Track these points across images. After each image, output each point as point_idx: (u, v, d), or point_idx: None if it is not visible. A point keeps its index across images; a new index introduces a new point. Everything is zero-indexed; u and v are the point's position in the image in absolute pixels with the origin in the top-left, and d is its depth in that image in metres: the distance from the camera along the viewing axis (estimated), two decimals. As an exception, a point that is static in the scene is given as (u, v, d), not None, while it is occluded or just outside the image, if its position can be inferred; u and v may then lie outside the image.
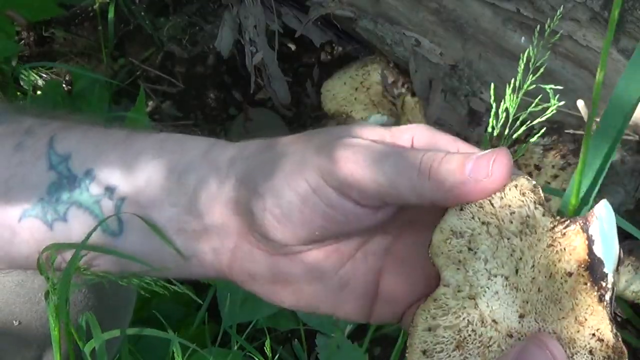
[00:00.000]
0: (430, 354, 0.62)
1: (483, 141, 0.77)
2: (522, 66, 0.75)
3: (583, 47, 1.48)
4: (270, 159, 0.67)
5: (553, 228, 0.61)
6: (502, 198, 0.62)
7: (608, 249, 0.60)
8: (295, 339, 1.50)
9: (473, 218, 0.62)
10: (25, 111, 0.77)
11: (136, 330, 0.97)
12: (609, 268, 0.60)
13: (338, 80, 1.67)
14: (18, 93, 1.74)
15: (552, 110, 0.76)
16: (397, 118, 1.59)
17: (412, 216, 0.69)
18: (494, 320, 0.62)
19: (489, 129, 0.76)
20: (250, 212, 0.67)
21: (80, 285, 0.89)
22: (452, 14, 1.55)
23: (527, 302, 0.62)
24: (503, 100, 0.76)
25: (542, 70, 0.77)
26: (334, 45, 1.82)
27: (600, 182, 0.65)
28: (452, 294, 0.63)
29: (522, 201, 0.61)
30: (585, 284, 0.60)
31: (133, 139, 0.72)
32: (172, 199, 0.70)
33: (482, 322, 0.62)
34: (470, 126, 1.56)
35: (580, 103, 1.46)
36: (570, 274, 0.60)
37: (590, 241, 0.60)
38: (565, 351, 0.60)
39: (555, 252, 0.61)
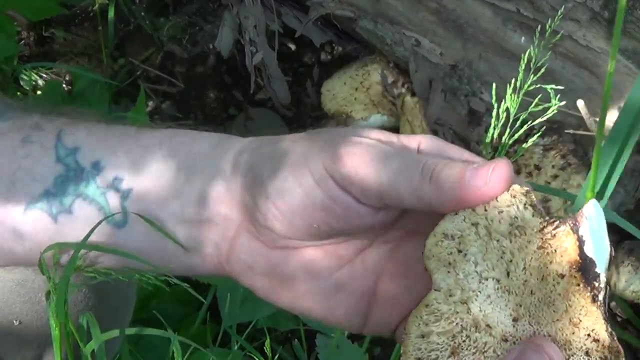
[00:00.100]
0: None
1: (483, 141, 0.77)
2: (523, 66, 0.76)
3: (583, 47, 1.48)
4: (277, 152, 0.68)
5: (542, 229, 0.61)
6: (494, 201, 0.62)
7: (599, 249, 0.60)
8: (295, 339, 1.51)
9: (464, 220, 0.62)
10: (32, 108, 0.77)
11: (136, 330, 0.97)
12: (600, 268, 0.60)
13: (338, 80, 1.67)
14: (18, 93, 1.74)
15: (552, 110, 0.76)
16: (397, 118, 1.59)
17: (413, 225, 0.69)
18: (487, 325, 0.62)
19: (490, 129, 0.76)
20: (253, 201, 0.67)
21: (80, 285, 0.89)
22: (452, 14, 1.55)
23: (520, 306, 0.61)
24: (503, 100, 0.76)
25: (542, 70, 0.78)
26: (334, 45, 1.82)
27: (616, 177, 0.65)
28: (443, 298, 0.62)
29: (511, 202, 0.62)
30: (578, 285, 0.60)
31: (141, 133, 0.73)
32: (179, 190, 0.70)
33: (476, 327, 0.62)
34: (470, 126, 1.56)
35: (580, 103, 1.46)
36: (562, 276, 0.60)
37: (580, 242, 0.60)
38: (563, 353, 0.60)
39: (546, 254, 0.61)
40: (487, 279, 0.62)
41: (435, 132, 1.54)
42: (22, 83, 1.77)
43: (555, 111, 0.77)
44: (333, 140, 0.66)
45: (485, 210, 0.62)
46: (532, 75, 0.76)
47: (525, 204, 0.62)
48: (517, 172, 1.47)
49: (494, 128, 0.75)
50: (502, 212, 0.61)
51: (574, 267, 0.60)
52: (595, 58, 1.48)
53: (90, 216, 0.72)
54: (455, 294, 0.62)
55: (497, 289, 0.62)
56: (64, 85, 1.80)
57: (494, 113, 0.76)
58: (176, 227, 0.71)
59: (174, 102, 1.82)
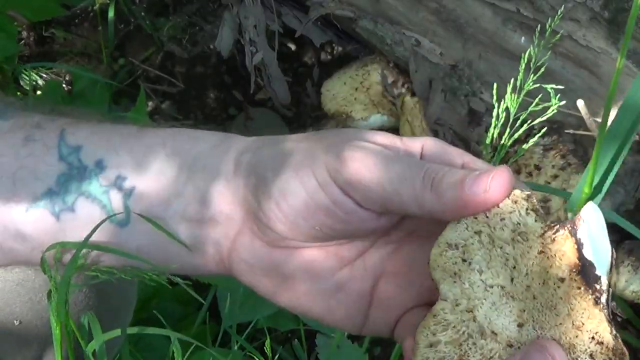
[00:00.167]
0: None
1: (483, 141, 0.77)
2: (523, 66, 0.76)
3: (583, 47, 1.48)
4: (281, 152, 0.68)
5: (543, 234, 0.61)
6: (496, 207, 0.62)
7: (598, 251, 0.60)
8: (295, 339, 1.51)
9: (467, 229, 0.63)
10: (32, 108, 0.77)
11: (137, 329, 0.97)
12: (601, 270, 0.60)
13: (338, 80, 1.67)
14: (18, 93, 1.74)
15: (552, 110, 0.76)
16: (397, 118, 1.59)
17: (415, 227, 0.69)
18: (493, 332, 0.62)
19: (490, 129, 0.76)
20: (256, 201, 0.67)
21: (81, 285, 0.89)
22: (452, 14, 1.55)
23: (524, 311, 0.62)
24: (503, 100, 0.76)
25: (542, 70, 0.78)
26: (334, 45, 1.82)
27: (613, 174, 0.65)
28: (450, 308, 0.63)
29: (513, 208, 0.62)
30: (579, 288, 0.59)
31: (144, 132, 0.73)
32: (182, 189, 0.70)
33: (482, 335, 0.62)
34: (470, 126, 1.56)
35: (580, 103, 1.46)
36: (562, 280, 0.60)
37: (579, 245, 0.60)
38: (567, 355, 0.60)
39: (546, 258, 0.61)
40: (492, 287, 0.62)
41: (435, 132, 1.55)
42: (22, 83, 1.77)
43: (555, 111, 0.77)
44: (337, 144, 0.66)
45: (487, 217, 0.62)
46: (532, 75, 0.76)
47: (527, 210, 0.62)
48: (517, 172, 1.47)
49: (494, 128, 0.75)
50: (504, 219, 0.62)
51: (574, 270, 0.60)
52: (595, 58, 1.48)
53: (92, 214, 0.72)
54: (461, 303, 0.63)
55: (502, 295, 0.62)
56: (64, 85, 1.80)
57: (494, 113, 0.76)
58: (178, 226, 0.71)
59: (174, 102, 1.82)
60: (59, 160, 0.72)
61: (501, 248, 0.62)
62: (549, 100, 0.77)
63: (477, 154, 0.69)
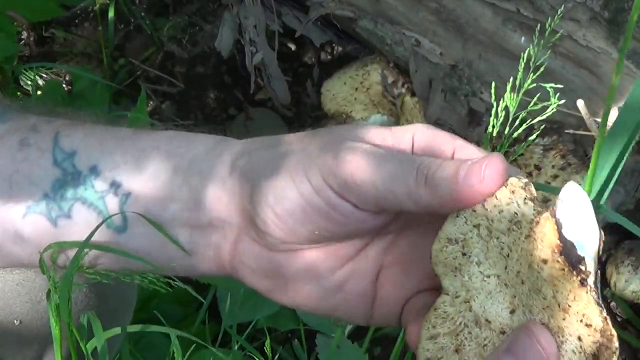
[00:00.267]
0: None
1: (483, 140, 0.77)
2: (522, 65, 0.76)
3: (583, 47, 1.48)
4: (275, 156, 0.67)
5: (532, 220, 0.61)
6: (494, 199, 0.62)
7: (580, 232, 0.58)
8: (295, 339, 1.51)
9: (466, 222, 0.63)
10: (29, 109, 0.77)
11: (137, 328, 0.97)
12: (586, 251, 0.58)
13: (338, 80, 1.67)
14: (18, 93, 1.74)
15: (552, 109, 0.76)
16: (397, 118, 1.59)
17: (412, 216, 0.69)
18: (487, 320, 0.62)
19: (489, 128, 0.76)
20: (252, 208, 0.67)
21: (81, 284, 0.89)
22: (452, 14, 1.55)
23: (515, 297, 0.61)
24: (502, 99, 0.76)
25: (542, 69, 0.78)
26: (334, 45, 1.82)
27: (618, 171, 0.65)
28: (450, 301, 0.63)
29: (511, 199, 0.61)
30: (562, 269, 0.58)
31: (139, 136, 0.73)
32: (177, 193, 0.70)
33: (477, 323, 0.62)
34: (470, 126, 1.56)
35: (580, 103, 1.46)
36: (545, 261, 0.59)
37: (559, 225, 0.58)
38: (555, 340, 0.60)
39: (532, 240, 0.60)
40: (489, 277, 0.62)
41: (435, 132, 1.54)
42: (22, 83, 1.77)
43: (555, 110, 0.77)
44: (329, 145, 0.66)
45: (486, 210, 0.62)
46: (532, 75, 0.76)
47: (525, 199, 0.61)
48: (517, 172, 1.47)
49: (493, 127, 0.75)
50: (502, 211, 0.61)
51: (556, 251, 0.58)
52: (595, 58, 1.48)
53: (89, 220, 0.72)
54: (460, 295, 0.63)
55: (498, 284, 0.62)
56: (64, 86, 1.80)
57: (493, 112, 0.76)
58: (176, 231, 0.71)
59: (174, 102, 1.82)
60: (54, 165, 0.72)
61: (497, 238, 0.62)
62: (549, 100, 0.77)
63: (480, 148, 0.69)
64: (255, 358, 1.23)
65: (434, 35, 1.58)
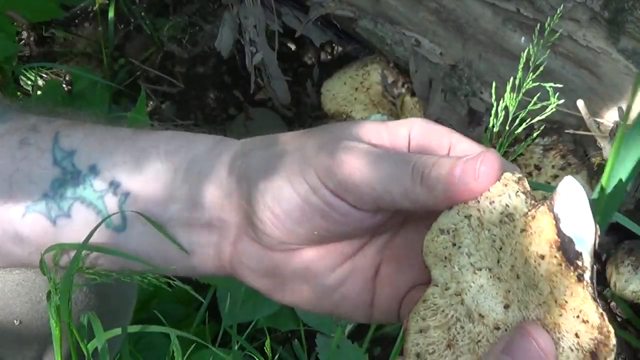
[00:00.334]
0: (423, 356, 0.62)
1: (483, 140, 0.77)
2: (522, 64, 0.76)
3: (583, 47, 1.48)
4: (272, 156, 0.67)
5: (527, 213, 0.60)
6: (486, 191, 0.62)
7: (578, 227, 0.58)
8: (295, 339, 1.51)
9: (457, 213, 0.62)
10: (29, 109, 0.77)
11: (137, 328, 0.97)
12: (583, 247, 0.58)
13: (338, 80, 1.67)
14: (18, 93, 1.74)
15: (551, 109, 0.76)
16: (397, 118, 1.59)
17: (411, 213, 0.69)
18: (480, 315, 0.61)
19: (489, 127, 0.76)
20: (250, 207, 0.67)
21: (81, 285, 0.89)
22: (452, 14, 1.55)
23: (509, 292, 0.61)
24: (502, 99, 0.76)
25: (541, 69, 0.78)
26: (334, 45, 1.82)
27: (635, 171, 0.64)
28: (440, 292, 0.63)
29: (503, 191, 0.61)
30: (560, 265, 0.58)
31: (139, 136, 0.73)
32: (177, 193, 0.70)
33: (470, 318, 0.62)
34: (470, 126, 1.56)
35: (580, 103, 1.46)
36: (542, 257, 0.59)
37: (557, 220, 0.58)
38: (552, 337, 0.59)
39: (528, 235, 0.60)
40: (480, 269, 0.62)
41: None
42: (22, 83, 1.77)
43: (555, 110, 0.77)
44: (325, 145, 0.66)
45: (477, 200, 0.62)
46: (531, 74, 0.76)
47: (517, 192, 0.61)
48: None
49: (493, 126, 0.75)
50: (493, 202, 0.61)
51: (554, 246, 0.58)
52: (595, 58, 1.48)
53: (88, 220, 0.72)
54: (451, 287, 0.62)
55: (490, 278, 0.62)
56: (64, 86, 1.80)
57: (493, 111, 0.76)
58: (175, 230, 0.71)
59: (174, 103, 1.82)
60: (53, 164, 0.72)
61: (489, 230, 0.61)
62: (549, 100, 0.77)
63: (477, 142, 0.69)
64: (255, 358, 1.23)
65: (434, 35, 1.58)
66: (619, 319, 1.50)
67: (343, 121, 1.59)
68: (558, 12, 0.82)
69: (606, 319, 0.58)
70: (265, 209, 0.66)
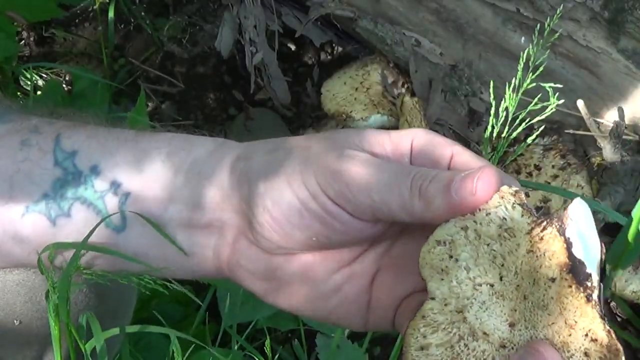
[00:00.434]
0: None
1: (483, 141, 0.77)
2: (522, 65, 0.76)
3: (583, 47, 1.48)
4: (273, 160, 0.68)
5: (531, 231, 0.61)
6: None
7: (588, 248, 0.59)
8: (295, 339, 1.50)
9: (454, 225, 0.63)
10: (31, 111, 0.77)
11: (136, 328, 0.97)
12: (592, 267, 0.59)
13: (338, 80, 1.67)
14: (18, 93, 1.74)
15: (551, 109, 0.76)
16: (397, 118, 1.59)
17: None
18: (484, 333, 0.62)
19: (489, 128, 0.76)
20: (250, 210, 0.67)
21: (81, 285, 0.89)
22: (452, 14, 1.55)
23: (515, 310, 0.61)
24: (503, 99, 0.76)
25: (541, 69, 0.78)
26: (334, 45, 1.82)
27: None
28: (439, 308, 0.62)
29: (499, 203, 0.62)
30: (570, 287, 0.59)
31: (140, 137, 0.73)
32: (177, 194, 0.70)
33: (474, 336, 0.62)
34: (470, 126, 1.56)
35: (580, 103, 1.46)
36: (553, 279, 0.59)
37: (568, 244, 0.59)
38: (562, 356, 0.60)
39: (535, 257, 0.60)
40: (480, 285, 0.62)
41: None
42: (22, 83, 1.77)
43: (555, 110, 0.77)
44: (327, 154, 0.66)
45: (474, 213, 0.62)
46: (531, 74, 0.76)
47: (513, 204, 0.61)
48: (517, 172, 1.47)
49: (493, 127, 0.75)
50: (489, 214, 0.62)
51: (564, 269, 0.59)
52: (595, 58, 1.48)
53: (88, 220, 0.72)
54: (450, 302, 0.62)
55: (492, 294, 0.62)
56: (64, 86, 1.80)
57: (493, 112, 0.76)
58: (175, 231, 0.71)
59: (174, 103, 1.82)
60: (55, 165, 0.72)
61: (488, 245, 0.62)
62: (549, 100, 0.77)
63: (477, 155, 0.69)
64: (255, 358, 1.23)
65: (434, 35, 1.58)
66: (619, 319, 1.50)
67: (343, 121, 1.59)
68: (558, 12, 0.82)
69: (614, 336, 0.59)
70: (264, 212, 0.66)
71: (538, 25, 0.84)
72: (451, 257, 0.62)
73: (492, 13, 1.53)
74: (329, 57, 1.83)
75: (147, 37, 1.86)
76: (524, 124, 0.76)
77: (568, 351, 0.59)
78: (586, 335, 0.59)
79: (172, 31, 1.86)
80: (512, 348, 0.61)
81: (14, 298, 0.91)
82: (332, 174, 0.64)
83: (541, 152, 1.49)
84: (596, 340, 0.59)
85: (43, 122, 0.75)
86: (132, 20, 1.87)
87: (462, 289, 0.62)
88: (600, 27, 1.46)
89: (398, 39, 1.60)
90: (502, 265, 0.61)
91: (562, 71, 1.49)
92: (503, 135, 0.77)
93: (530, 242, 0.61)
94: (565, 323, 0.59)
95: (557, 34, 1.36)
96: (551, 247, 0.60)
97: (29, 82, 1.75)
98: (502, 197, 0.62)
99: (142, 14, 1.87)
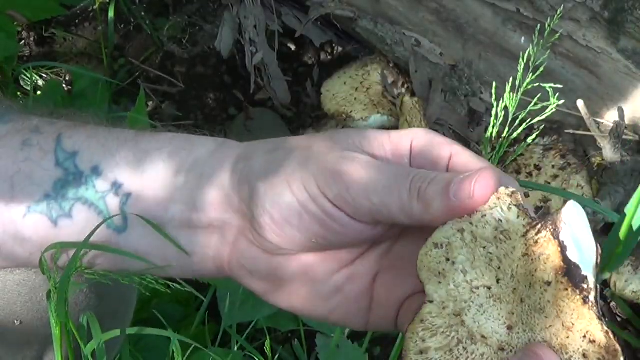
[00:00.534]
0: None
1: (483, 140, 0.77)
2: (522, 65, 0.76)
3: (583, 47, 1.48)
4: (273, 161, 0.68)
5: (526, 233, 0.61)
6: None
7: (583, 251, 0.59)
8: (295, 339, 1.51)
9: (451, 228, 0.63)
10: (32, 111, 0.77)
11: (136, 330, 0.97)
12: (587, 269, 0.59)
13: (338, 80, 1.67)
14: (18, 93, 1.74)
15: (551, 109, 0.76)
16: (397, 118, 1.59)
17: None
18: (483, 336, 0.62)
19: (489, 128, 0.76)
20: (250, 211, 0.67)
21: (81, 285, 0.89)
22: (452, 14, 1.55)
23: (513, 314, 0.61)
24: (502, 99, 0.76)
25: (541, 69, 0.78)
26: (334, 45, 1.82)
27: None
28: (437, 311, 0.63)
29: (495, 204, 0.62)
30: (566, 289, 0.59)
31: (141, 138, 0.73)
32: (178, 195, 0.70)
33: (472, 339, 0.62)
34: (470, 126, 1.56)
35: (580, 103, 1.46)
36: (549, 283, 0.60)
37: (562, 247, 0.59)
38: (561, 358, 0.60)
39: (531, 261, 0.60)
40: (478, 288, 0.62)
41: (435, 132, 1.54)
42: (22, 83, 1.77)
43: (555, 110, 0.77)
44: (326, 155, 0.66)
45: (470, 215, 0.62)
46: (531, 75, 0.76)
47: (509, 205, 0.61)
48: (517, 172, 1.48)
49: (493, 127, 0.75)
50: (485, 215, 0.62)
51: (560, 273, 0.59)
52: (595, 58, 1.48)
53: (89, 220, 0.72)
54: (448, 306, 0.62)
55: (489, 297, 0.62)
56: (64, 85, 1.80)
57: (493, 112, 0.76)
58: (176, 232, 0.71)
59: (174, 102, 1.82)
60: (56, 165, 0.72)
61: (484, 248, 0.62)
62: (549, 100, 0.77)
63: (477, 154, 0.69)
64: (255, 358, 1.23)
65: (434, 35, 1.58)
66: (619, 319, 1.50)
67: (343, 121, 1.59)
68: (558, 12, 0.82)
69: (612, 337, 0.59)
70: (264, 214, 0.66)
71: (538, 25, 0.84)
72: (448, 259, 0.62)
73: (492, 13, 1.53)
74: (329, 57, 1.83)
75: (147, 37, 1.87)
76: (524, 124, 0.76)
77: (566, 353, 0.59)
78: (584, 336, 0.59)
79: (172, 31, 1.86)
80: (511, 351, 0.61)
81: (15, 298, 0.91)
82: (332, 176, 0.65)
83: (541, 152, 1.49)
84: (594, 341, 0.59)
85: (44, 122, 0.75)
86: (132, 20, 1.87)
87: (459, 292, 0.62)
88: (600, 27, 1.46)
89: (398, 39, 1.60)
90: (499, 268, 0.62)
91: (562, 71, 1.49)
92: (503, 135, 0.77)
93: (526, 245, 0.61)
94: (563, 325, 0.59)
95: (558, 34, 1.36)
96: (546, 250, 0.60)
97: (30, 82, 1.75)
98: (499, 198, 0.62)
99: (142, 14, 1.87)
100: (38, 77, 1.78)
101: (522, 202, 0.61)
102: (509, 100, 0.76)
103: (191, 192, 0.70)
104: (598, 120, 1.48)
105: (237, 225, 0.69)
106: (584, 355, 0.59)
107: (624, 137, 1.45)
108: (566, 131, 1.50)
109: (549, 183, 1.44)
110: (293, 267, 0.69)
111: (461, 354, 0.62)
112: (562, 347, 0.60)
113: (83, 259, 0.72)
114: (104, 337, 0.83)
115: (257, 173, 0.68)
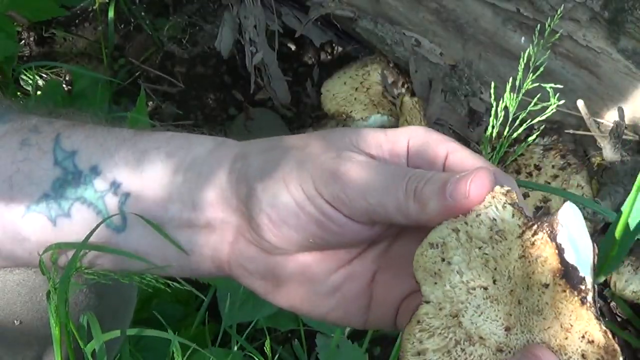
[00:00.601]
0: None
1: (483, 141, 0.77)
2: (522, 65, 0.76)
3: (583, 47, 1.48)
4: (271, 160, 0.68)
5: (522, 234, 0.61)
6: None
7: (580, 253, 0.59)
8: (295, 339, 1.51)
9: (446, 227, 0.63)
10: (30, 110, 0.77)
11: (136, 331, 0.97)
12: (585, 270, 0.59)
13: (338, 80, 1.67)
14: (18, 93, 1.74)
15: (552, 109, 0.76)
16: (397, 118, 1.59)
17: None
18: (480, 337, 0.61)
19: (489, 128, 0.76)
20: (247, 210, 0.67)
21: (81, 285, 0.89)
22: (452, 14, 1.55)
23: (511, 315, 0.61)
24: (502, 99, 0.76)
25: (541, 69, 0.78)
26: (334, 45, 1.82)
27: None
28: (434, 312, 0.62)
29: (490, 203, 0.62)
30: (564, 291, 0.59)
31: (140, 137, 0.73)
32: (177, 194, 0.70)
33: (470, 340, 0.62)
34: (470, 126, 1.56)
35: (580, 103, 1.46)
36: (546, 285, 0.59)
37: (559, 250, 0.59)
38: (559, 358, 0.60)
39: (528, 263, 0.60)
40: (474, 289, 0.62)
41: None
42: (22, 83, 1.77)
43: (555, 110, 0.77)
44: (323, 155, 0.66)
45: (465, 215, 0.62)
46: (531, 75, 0.76)
47: (504, 204, 0.61)
48: (517, 172, 1.48)
49: (493, 127, 0.75)
50: (479, 214, 0.62)
51: (557, 275, 0.59)
52: (595, 58, 1.48)
53: (88, 220, 0.72)
54: (445, 307, 0.62)
55: (486, 298, 0.62)
56: (64, 85, 1.80)
57: (493, 112, 0.76)
58: (175, 231, 0.71)
59: (174, 102, 1.82)
60: (55, 165, 0.72)
61: (480, 248, 0.62)
62: (549, 100, 0.77)
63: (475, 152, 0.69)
64: (255, 358, 1.23)
65: (434, 35, 1.58)
66: (619, 319, 1.50)
67: (343, 121, 1.59)
68: (558, 12, 0.82)
69: (610, 337, 0.59)
70: (261, 214, 0.66)
71: (538, 25, 0.84)
72: (443, 260, 0.62)
73: (492, 13, 1.53)
74: (329, 57, 1.83)
75: (147, 37, 1.87)
76: (524, 124, 0.76)
77: (565, 354, 0.59)
78: (583, 337, 0.59)
79: (172, 31, 1.86)
80: (509, 352, 0.61)
81: (15, 298, 0.91)
82: (329, 176, 0.65)
83: (541, 152, 1.49)
84: (593, 341, 0.59)
85: (42, 122, 0.75)
86: (132, 20, 1.87)
87: (455, 292, 0.62)
88: (600, 27, 1.46)
89: (398, 39, 1.60)
90: (495, 269, 0.61)
91: (562, 71, 1.49)
92: (503, 135, 0.77)
93: (522, 246, 0.61)
94: (561, 327, 0.59)
95: (558, 34, 1.36)
96: (543, 253, 0.60)
97: (29, 82, 1.75)
98: (494, 197, 0.62)
99: (142, 14, 1.87)
100: (38, 77, 1.78)
101: (517, 201, 0.61)
102: (509, 100, 0.76)
103: (190, 192, 0.70)
104: (598, 120, 1.48)
105: (236, 224, 0.69)
106: (583, 356, 0.59)
107: (624, 137, 1.45)
108: (566, 131, 1.50)
109: (549, 183, 1.44)
110: (291, 266, 0.69)
111: (459, 355, 0.62)
112: (561, 348, 0.60)
113: (83, 259, 0.72)
114: (104, 338, 0.83)
115: (254, 173, 0.68)
